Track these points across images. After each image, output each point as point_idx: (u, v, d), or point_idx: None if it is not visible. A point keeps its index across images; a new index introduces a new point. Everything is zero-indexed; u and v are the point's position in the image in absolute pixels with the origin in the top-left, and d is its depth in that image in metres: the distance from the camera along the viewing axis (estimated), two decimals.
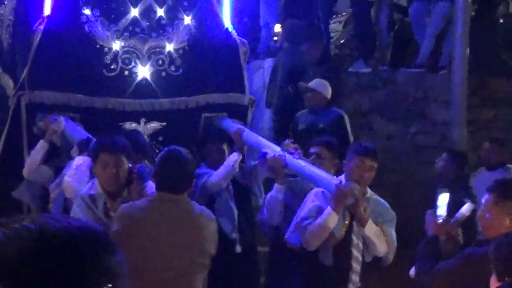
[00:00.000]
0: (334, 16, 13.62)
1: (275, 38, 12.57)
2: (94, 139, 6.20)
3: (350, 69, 12.04)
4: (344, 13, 13.77)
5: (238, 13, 11.05)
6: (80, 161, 6.36)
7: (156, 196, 5.10)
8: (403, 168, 10.97)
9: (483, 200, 4.86)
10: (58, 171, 6.88)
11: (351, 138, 9.18)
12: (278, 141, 7.68)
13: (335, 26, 13.77)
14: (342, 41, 13.65)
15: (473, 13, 11.50)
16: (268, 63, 11.55)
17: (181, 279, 4.98)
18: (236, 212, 7.41)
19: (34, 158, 6.99)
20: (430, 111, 11.60)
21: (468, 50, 10.73)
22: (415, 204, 9.43)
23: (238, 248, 7.38)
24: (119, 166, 5.65)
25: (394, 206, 6.39)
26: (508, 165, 9.50)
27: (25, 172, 7.02)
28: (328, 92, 9.37)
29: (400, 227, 6.40)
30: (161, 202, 5.05)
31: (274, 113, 10.83)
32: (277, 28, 12.50)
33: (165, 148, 5.46)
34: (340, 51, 13.32)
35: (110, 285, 1.48)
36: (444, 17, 11.80)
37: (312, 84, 9.34)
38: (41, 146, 6.98)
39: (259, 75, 11.78)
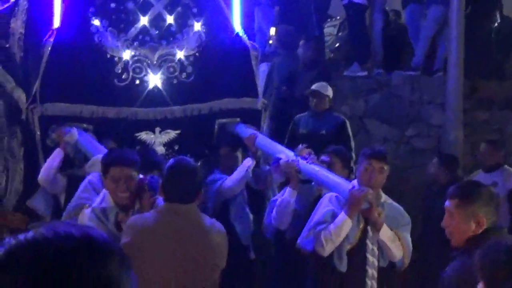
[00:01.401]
0: (329, 20, 13.69)
1: (270, 42, 12.56)
2: (105, 153, 6.17)
3: (345, 73, 11.99)
4: (338, 17, 13.75)
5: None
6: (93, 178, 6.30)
7: (164, 207, 5.05)
8: (398, 171, 10.77)
9: (446, 206, 4.67)
10: (71, 181, 6.84)
11: (353, 145, 9.09)
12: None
13: (330, 30, 13.77)
14: (336, 45, 13.65)
15: (467, 16, 11.50)
16: (263, 67, 11.33)
17: None
18: (251, 217, 7.43)
19: (50, 164, 6.90)
20: (425, 114, 11.56)
21: (463, 53, 10.76)
22: (410, 208, 9.40)
23: (252, 255, 7.46)
24: (130, 180, 5.59)
25: None
26: (506, 166, 9.52)
27: (40, 178, 6.92)
28: (331, 93, 9.32)
29: None
30: (169, 213, 4.99)
31: (269, 118, 10.51)
32: (272, 31, 12.48)
33: (172, 159, 5.42)
34: (335, 55, 13.34)
35: None
36: (438, 20, 11.86)
37: (316, 87, 9.23)
38: (57, 153, 6.93)
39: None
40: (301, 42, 10.89)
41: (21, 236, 1.55)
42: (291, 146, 7.63)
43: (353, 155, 8.66)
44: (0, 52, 8.41)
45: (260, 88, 8.44)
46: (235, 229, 7.26)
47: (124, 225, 5.49)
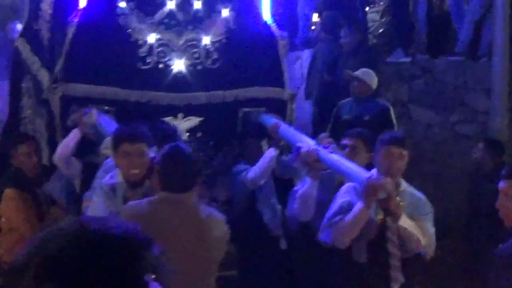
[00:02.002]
0: (372, 5, 13.67)
1: (313, 28, 12.54)
2: (117, 131, 6.08)
3: (388, 59, 12.05)
4: (381, 3, 13.64)
5: (275, 3, 11.03)
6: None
7: (159, 196, 4.95)
8: (443, 157, 11.04)
9: (501, 187, 4.71)
10: (87, 167, 6.85)
11: (396, 130, 9.10)
12: (318, 133, 7.84)
13: (373, 16, 13.63)
14: (380, 31, 13.56)
15: None
16: (307, 54, 11.53)
17: (184, 284, 4.72)
18: (279, 208, 7.32)
19: (67, 144, 6.83)
20: (470, 100, 11.53)
21: (508, 38, 10.71)
22: (455, 193, 9.65)
23: (283, 244, 7.34)
24: (140, 155, 5.54)
25: (434, 196, 6.47)
26: None
27: (55, 157, 6.87)
28: (374, 82, 9.31)
29: (440, 217, 6.17)
30: (164, 202, 4.90)
31: (314, 104, 10.78)
32: (315, 17, 12.50)
33: (166, 145, 5.21)
34: (378, 41, 13.29)
35: (153, 276, 1.60)
36: (483, 4, 11.79)
37: (358, 73, 9.25)
38: (74, 134, 6.84)
39: (298, 66, 11.82)
40: (344, 28, 10.76)
41: (43, 233, 1.60)
42: (335, 131, 7.80)
43: None
44: (29, 34, 8.53)
45: (287, 78, 8.32)
46: (263, 220, 7.28)
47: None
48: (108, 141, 6.32)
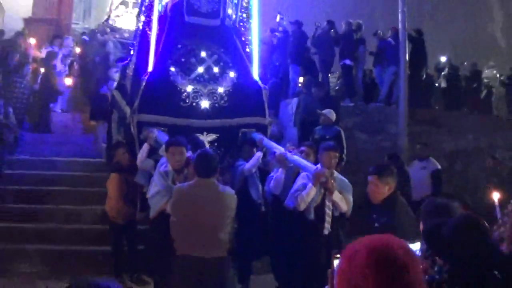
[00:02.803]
0: (331, 73, 13.97)
1: (300, 85, 12.63)
2: (168, 141, 6.34)
3: (342, 104, 12.30)
4: (337, 72, 14.09)
5: (274, 73, 11.66)
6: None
7: (195, 180, 5.01)
8: (372, 160, 10.00)
9: (369, 180, 4.76)
10: (156, 162, 6.78)
11: (345, 144, 9.39)
12: (300, 145, 7.68)
13: (332, 79, 14.20)
14: (336, 88, 14.03)
15: (409, 72, 11.84)
16: (294, 101, 11.73)
17: (212, 233, 4.85)
18: (260, 186, 7.34)
19: (142, 153, 7.07)
20: (387, 128, 11.92)
21: (407, 94, 11.08)
22: None
23: (263, 208, 7.32)
24: (181, 154, 5.82)
25: (360, 182, 6.30)
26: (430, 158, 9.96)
27: (138, 162, 7.07)
28: (333, 116, 9.58)
29: (356, 194, 6.33)
30: (198, 184, 4.95)
31: (298, 130, 10.97)
32: (301, 79, 12.63)
33: (200, 150, 5.34)
34: (336, 94, 13.66)
35: None
36: (393, 74, 12.26)
37: (324, 111, 9.58)
38: (145, 146, 7.10)
39: (289, 108, 11.90)
40: (314, 89, 11.00)
41: None
42: (311, 146, 7.57)
43: (345, 151, 9.07)
44: (121, 88, 8.90)
45: (267, 111, 8.27)
46: (251, 194, 7.20)
47: (178, 182, 5.70)
48: (163, 147, 6.57)
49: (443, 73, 14.45)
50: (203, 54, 8.08)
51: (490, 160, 10.30)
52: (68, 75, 12.74)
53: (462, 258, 2.77)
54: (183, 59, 7.95)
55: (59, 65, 12.22)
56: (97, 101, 11.45)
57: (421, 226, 3.59)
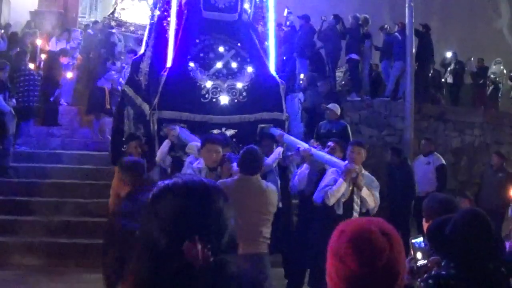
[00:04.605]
0: (339, 67, 13.95)
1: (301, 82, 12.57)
2: (206, 137, 6.21)
3: (348, 99, 12.41)
4: (343, 67, 13.99)
5: (283, 67, 11.63)
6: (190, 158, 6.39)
7: (240, 177, 5.04)
8: (377, 155, 11.19)
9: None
10: (174, 159, 7.09)
11: (351, 139, 9.14)
12: (306, 140, 7.79)
13: (339, 74, 14.06)
14: (343, 82, 13.96)
15: (416, 67, 11.92)
16: (301, 95, 11.81)
17: (255, 229, 4.88)
18: (279, 182, 7.07)
19: (162, 149, 7.06)
20: (393, 123, 12.01)
21: (413, 88, 11.07)
22: (381, 174, 9.53)
23: (280, 204, 7.03)
24: (217, 152, 5.76)
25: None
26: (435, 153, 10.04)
27: (157, 158, 7.06)
28: (339, 111, 9.59)
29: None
30: (242, 180, 4.98)
31: (304, 125, 11.14)
32: (301, 76, 12.53)
33: (246, 146, 5.30)
34: (342, 88, 13.65)
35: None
36: (399, 69, 12.23)
37: (329, 106, 9.56)
38: (167, 143, 7.11)
39: (296, 102, 11.94)
40: (320, 83, 11.09)
41: (166, 181, 1.62)
42: (316, 140, 7.76)
43: None
44: (133, 83, 8.81)
45: (285, 106, 8.31)
46: None
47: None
48: (191, 144, 6.61)
49: (449, 68, 14.40)
50: (221, 49, 8.10)
51: (495, 156, 10.28)
52: (73, 68, 12.62)
53: (467, 253, 2.78)
54: (201, 54, 7.97)
55: (66, 59, 12.04)
56: (93, 94, 11.42)
57: (425, 224, 3.55)
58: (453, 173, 11.71)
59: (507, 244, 3.77)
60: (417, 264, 2.84)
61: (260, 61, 8.30)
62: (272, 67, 8.56)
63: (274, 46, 8.76)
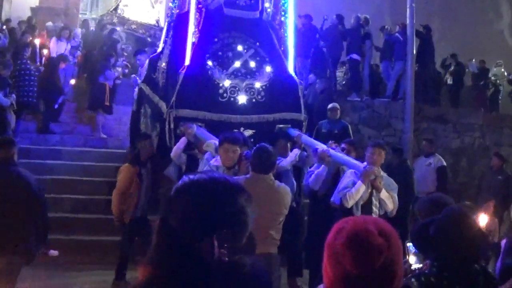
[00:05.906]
0: (339, 68, 13.90)
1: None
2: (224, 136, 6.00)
3: (348, 98, 12.32)
4: (344, 66, 13.97)
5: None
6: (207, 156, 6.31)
7: (251, 175, 4.90)
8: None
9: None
10: (189, 157, 6.99)
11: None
12: None
13: (340, 73, 14.02)
14: (343, 82, 13.91)
15: (416, 68, 11.91)
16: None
17: (264, 229, 4.74)
18: (294, 183, 7.00)
19: (178, 147, 7.00)
20: (392, 123, 11.95)
21: (413, 89, 11.04)
22: None
23: (294, 204, 6.77)
24: (234, 152, 5.60)
25: None
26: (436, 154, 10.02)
27: (172, 155, 6.99)
28: (339, 111, 9.62)
29: None
30: (254, 179, 4.82)
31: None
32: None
33: (257, 145, 5.13)
34: (342, 88, 13.60)
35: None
36: (400, 70, 12.19)
37: (330, 105, 9.56)
38: (183, 140, 7.04)
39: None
40: (319, 82, 11.03)
41: (190, 176, 1.64)
42: (316, 139, 7.69)
43: None
44: (150, 81, 8.72)
45: (303, 107, 8.21)
46: None
47: None
48: (209, 142, 6.54)
49: (449, 69, 14.44)
50: (239, 48, 8.05)
51: (495, 158, 10.30)
52: (73, 76, 12.41)
53: (450, 253, 2.74)
54: (220, 53, 7.91)
55: (66, 64, 11.78)
56: (94, 91, 11.29)
57: None
58: (452, 174, 11.72)
59: (502, 243, 3.71)
60: (411, 268, 2.84)
61: (278, 61, 8.23)
62: (291, 67, 8.50)
63: (293, 46, 8.62)
